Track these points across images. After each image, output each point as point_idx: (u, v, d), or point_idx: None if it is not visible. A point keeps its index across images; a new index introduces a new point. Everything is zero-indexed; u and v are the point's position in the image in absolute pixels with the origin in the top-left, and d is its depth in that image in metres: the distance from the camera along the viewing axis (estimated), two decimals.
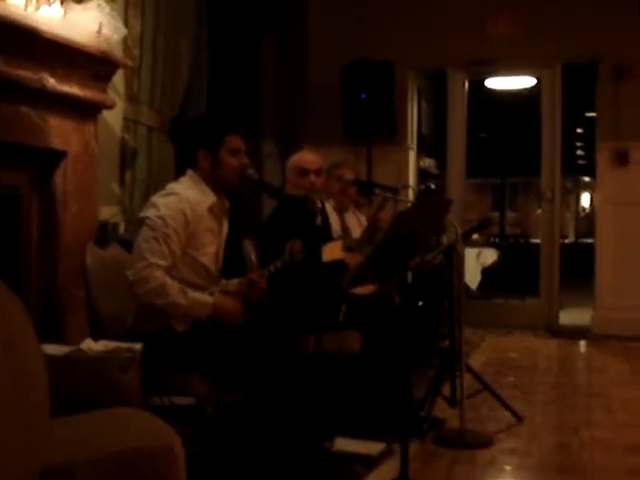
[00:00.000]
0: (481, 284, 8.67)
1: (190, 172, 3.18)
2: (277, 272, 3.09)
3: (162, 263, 2.90)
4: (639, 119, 6.58)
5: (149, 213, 2.98)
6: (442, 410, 3.95)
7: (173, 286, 2.90)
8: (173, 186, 3.13)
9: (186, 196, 3.04)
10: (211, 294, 3.00)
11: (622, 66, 6.62)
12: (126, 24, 4.30)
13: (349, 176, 4.20)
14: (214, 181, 3.15)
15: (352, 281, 2.80)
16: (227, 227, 3.25)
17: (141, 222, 2.99)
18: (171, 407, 3.09)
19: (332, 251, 3.82)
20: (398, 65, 6.81)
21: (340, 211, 4.46)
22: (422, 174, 8.26)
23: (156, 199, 3.06)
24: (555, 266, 7.14)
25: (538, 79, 7.53)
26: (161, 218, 2.94)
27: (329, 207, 4.37)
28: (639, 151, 6.60)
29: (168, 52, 4.67)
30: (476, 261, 8.69)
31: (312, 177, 3.93)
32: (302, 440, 3.07)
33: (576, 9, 6.68)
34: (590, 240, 7.62)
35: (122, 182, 4.47)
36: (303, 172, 3.95)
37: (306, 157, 4.07)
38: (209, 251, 3.10)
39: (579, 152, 13.91)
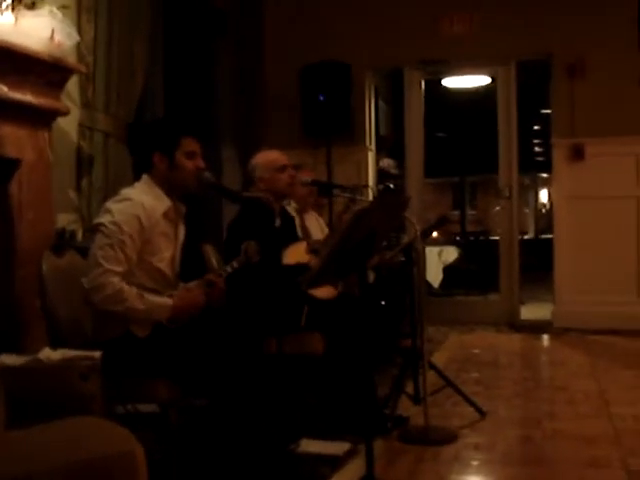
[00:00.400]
0: (443, 282, 8.75)
1: (145, 177, 3.16)
2: (237, 274, 3.08)
3: (118, 269, 2.88)
4: (594, 115, 6.68)
5: (103, 219, 2.96)
6: (406, 408, 3.98)
7: (130, 291, 2.88)
8: (127, 191, 3.11)
9: (140, 201, 3.02)
10: (170, 297, 2.99)
11: (576, 63, 6.72)
12: (79, 30, 4.25)
13: (307, 177, 4.22)
14: (170, 184, 3.13)
15: (312, 282, 2.80)
16: (184, 232, 3.24)
17: (95, 229, 2.97)
18: (135, 415, 3.07)
19: (296, 253, 3.82)
20: (355, 66, 6.85)
21: (300, 212, 4.47)
22: (382, 174, 8.30)
23: (110, 205, 3.03)
24: (515, 262, 7.22)
25: (493, 77, 7.60)
26: (115, 224, 2.92)
27: (291, 209, 4.38)
28: (594, 146, 6.70)
29: (122, 57, 4.62)
30: (438, 259, 8.77)
31: (291, 171, 4.00)
32: (268, 442, 3.06)
33: (529, 6, 6.77)
34: (550, 236, 7.70)
35: (79, 189, 4.42)
36: (282, 168, 4.00)
37: (277, 154, 4.11)
38: (165, 256, 3.09)
39: (536, 149, 14.09)
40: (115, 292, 2.84)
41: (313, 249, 3.95)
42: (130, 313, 2.88)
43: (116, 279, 2.86)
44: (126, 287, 2.88)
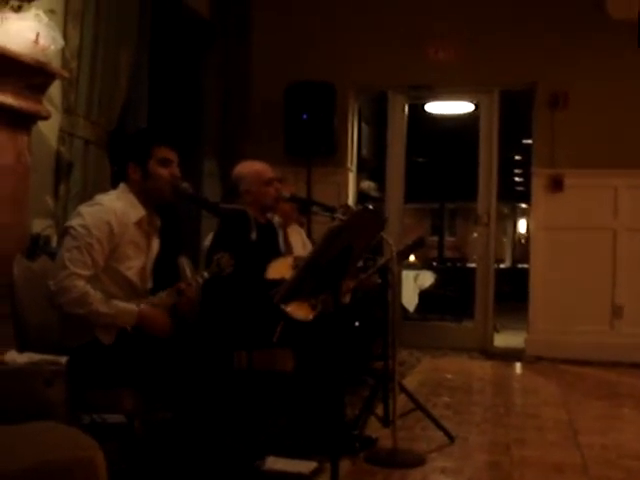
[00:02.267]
0: (419, 306, 8.75)
1: (122, 185, 3.17)
2: (211, 285, 3.07)
3: (84, 273, 2.87)
4: (574, 146, 6.75)
5: (73, 222, 2.95)
6: (375, 429, 3.97)
7: (95, 295, 2.86)
8: (101, 197, 3.11)
9: (112, 207, 3.01)
10: (138, 306, 2.96)
11: (558, 94, 6.78)
12: (65, 35, 4.24)
13: (286, 193, 4.20)
14: (145, 194, 3.13)
15: (284, 295, 2.78)
16: (158, 245, 3.22)
17: (65, 231, 2.96)
18: (101, 425, 3.03)
19: (281, 267, 3.80)
20: (340, 87, 6.87)
21: (283, 227, 4.45)
22: (362, 196, 8.31)
23: (82, 208, 3.04)
24: (490, 289, 7.23)
25: (477, 105, 7.66)
26: (85, 227, 2.91)
27: (275, 223, 4.35)
28: (574, 178, 6.75)
29: (107, 65, 4.61)
30: (414, 283, 8.77)
31: (277, 184, 4.00)
32: (233, 458, 3.04)
33: (514, 37, 6.84)
34: (526, 265, 7.73)
35: (56, 195, 4.38)
36: (269, 181, 4.00)
37: (263, 166, 4.11)
38: (134, 265, 3.07)
39: (517, 179, 14.17)
40: (80, 295, 2.83)
41: (297, 265, 3.92)
42: (94, 317, 2.86)
43: (82, 282, 2.85)
44: (91, 291, 2.86)
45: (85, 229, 2.90)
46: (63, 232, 2.99)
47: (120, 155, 3.24)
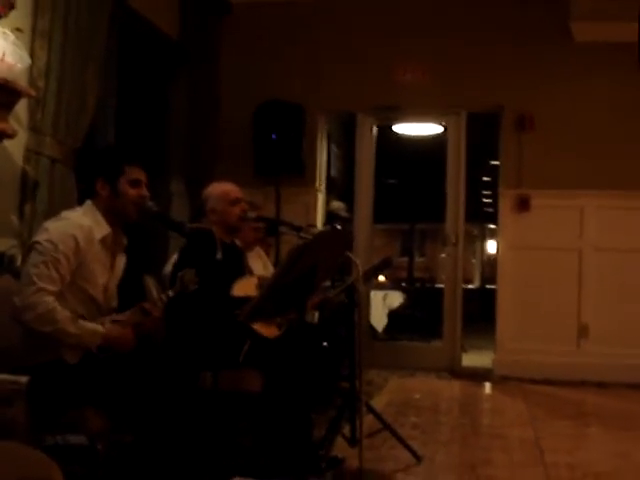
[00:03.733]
0: (387, 326, 8.76)
1: (88, 202, 3.14)
2: (175, 303, 3.05)
3: (51, 288, 2.83)
4: (540, 168, 6.84)
5: (39, 237, 2.92)
6: (342, 449, 3.95)
7: (63, 313, 2.82)
8: (67, 213, 3.09)
9: (79, 222, 2.99)
10: (102, 324, 2.93)
11: (524, 116, 6.88)
12: (32, 54, 4.23)
13: (252, 214, 4.19)
14: (112, 212, 3.10)
15: (250, 314, 2.78)
16: (124, 263, 3.20)
17: (31, 247, 2.93)
18: (64, 446, 2.98)
19: (246, 286, 3.78)
20: (309, 108, 6.91)
21: (244, 250, 4.43)
22: (331, 216, 8.31)
23: (47, 224, 3.01)
24: (458, 309, 7.27)
25: (444, 126, 7.73)
26: (51, 242, 2.88)
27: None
28: (540, 198, 6.84)
29: (74, 84, 4.59)
30: (382, 304, 8.79)
31: (243, 205, 4.02)
32: None
33: (481, 60, 6.94)
34: (495, 286, 7.78)
35: (21, 214, 4.34)
36: (235, 200, 4.00)
37: (231, 187, 4.10)
38: (99, 283, 3.04)
39: (485, 200, 14.29)
40: (47, 311, 2.79)
41: (262, 284, 3.91)
42: (60, 335, 2.82)
43: (50, 298, 2.81)
44: (59, 308, 2.82)
45: (51, 244, 2.87)
46: (29, 248, 2.95)
47: (89, 171, 3.20)
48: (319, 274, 2.83)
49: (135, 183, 3.10)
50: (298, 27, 7.21)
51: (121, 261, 3.20)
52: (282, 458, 3.60)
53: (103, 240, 3.05)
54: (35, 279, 2.81)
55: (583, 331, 6.78)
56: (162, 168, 6.57)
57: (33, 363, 2.81)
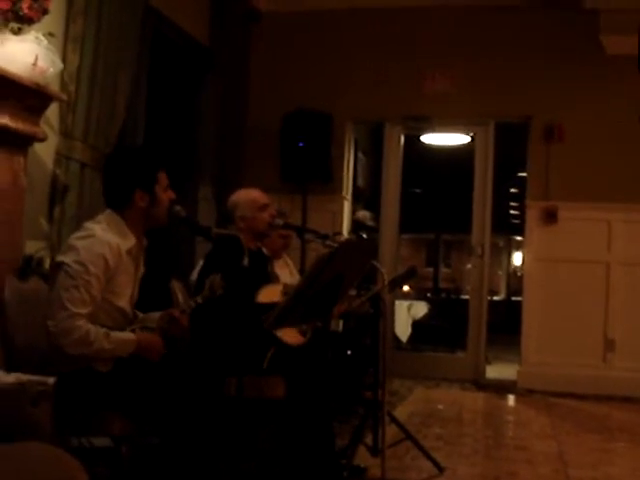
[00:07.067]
0: (411, 337, 8.73)
1: (109, 212, 3.08)
2: (202, 309, 3.05)
3: (83, 311, 2.80)
4: (568, 179, 6.79)
5: (67, 259, 2.85)
6: (364, 459, 3.93)
7: (97, 332, 2.80)
8: (91, 226, 3.01)
9: (106, 239, 2.93)
10: (133, 331, 2.95)
11: (553, 127, 6.84)
12: (64, 58, 4.27)
13: (279, 221, 4.20)
14: (148, 220, 3.09)
15: (275, 321, 2.78)
16: (143, 266, 3.20)
17: (59, 267, 2.86)
18: (89, 449, 3.00)
19: (271, 293, 3.79)
20: (337, 116, 6.91)
21: (270, 258, 4.43)
22: (357, 225, 8.32)
23: (75, 242, 2.93)
24: (483, 320, 7.23)
25: (472, 137, 7.70)
26: (81, 264, 2.82)
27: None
28: (568, 210, 6.79)
29: (105, 88, 4.63)
30: (407, 314, 8.76)
31: (272, 210, 4.05)
32: None
33: (510, 70, 6.91)
34: (520, 298, 7.74)
35: (51, 218, 4.38)
36: (263, 207, 4.03)
37: (259, 193, 4.13)
38: (126, 293, 3.04)
39: (512, 211, 14.21)
40: (82, 336, 2.76)
41: (286, 292, 3.92)
42: (96, 355, 2.82)
43: (82, 322, 2.78)
44: (92, 328, 2.80)
45: (81, 265, 2.82)
46: (56, 267, 2.90)
47: (124, 181, 3.10)
48: (345, 283, 2.82)
49: (167, 188, 3.11)
50: (327, 36, 7.23)
51: (142, 265, 3.19)
52: (304, 466, 3.60)
53: (129, 251, 3.03)
54: (67, 304, 2.77)
55: (609, 345, 6.71)
56: (190, 173, 6.60)
57: (65, 370, 2.80)
